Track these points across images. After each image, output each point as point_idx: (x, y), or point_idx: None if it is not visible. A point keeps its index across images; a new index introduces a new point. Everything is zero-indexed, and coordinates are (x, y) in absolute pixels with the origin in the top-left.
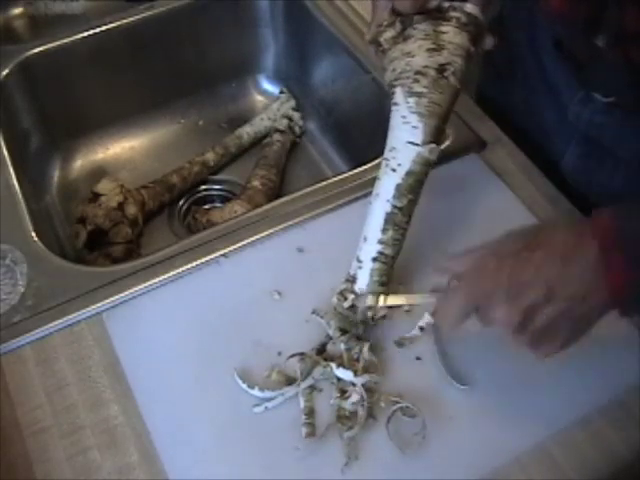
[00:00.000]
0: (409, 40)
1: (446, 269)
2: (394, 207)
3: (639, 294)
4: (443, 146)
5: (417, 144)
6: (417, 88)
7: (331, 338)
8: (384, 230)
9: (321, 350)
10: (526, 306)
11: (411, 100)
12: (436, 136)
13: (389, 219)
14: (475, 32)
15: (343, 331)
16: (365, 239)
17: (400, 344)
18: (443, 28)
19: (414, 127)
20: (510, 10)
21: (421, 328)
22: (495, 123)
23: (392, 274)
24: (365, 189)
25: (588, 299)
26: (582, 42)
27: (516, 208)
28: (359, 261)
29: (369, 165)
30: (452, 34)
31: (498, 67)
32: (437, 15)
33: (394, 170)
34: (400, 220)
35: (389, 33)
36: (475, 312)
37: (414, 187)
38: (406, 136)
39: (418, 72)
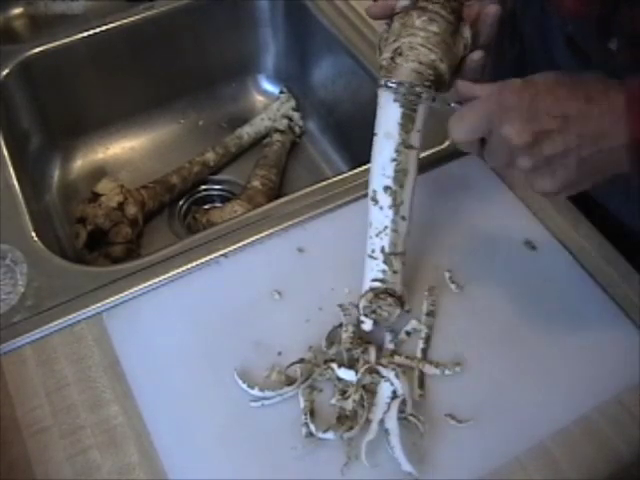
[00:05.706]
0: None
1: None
2: (371, 199)
3: None
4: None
5: (376, 134)
6: (381, 82)
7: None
8: (369, 224)
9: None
10: (538, 130)
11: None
12: (400, 121)
13: (374, 212)
14: (448, 13)
15: (356, 326)
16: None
17: (386, 349)
18: (409, 19)
19: (378, 116)
20: (522, 6)
21: (407, 333)
22: None
23: (392, 269)
24: (365, 189)
25: (602, 142)
26: (595, 44)
27: (516, 208)
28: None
29: (369, 165)
30: (414, 19)
31: (509, 63)
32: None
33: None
34: (386, 212)
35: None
36: (488, 133)
37: (393, 177)
38: (376, 128)
39: (381, 66)
